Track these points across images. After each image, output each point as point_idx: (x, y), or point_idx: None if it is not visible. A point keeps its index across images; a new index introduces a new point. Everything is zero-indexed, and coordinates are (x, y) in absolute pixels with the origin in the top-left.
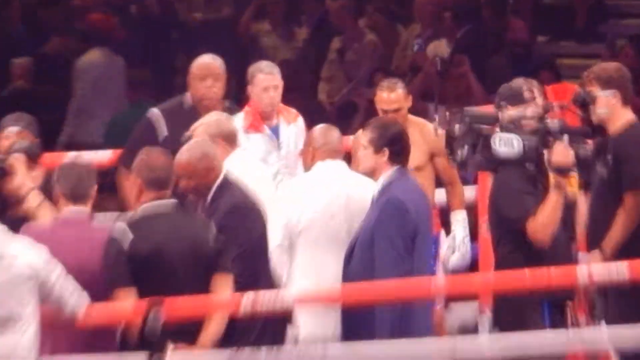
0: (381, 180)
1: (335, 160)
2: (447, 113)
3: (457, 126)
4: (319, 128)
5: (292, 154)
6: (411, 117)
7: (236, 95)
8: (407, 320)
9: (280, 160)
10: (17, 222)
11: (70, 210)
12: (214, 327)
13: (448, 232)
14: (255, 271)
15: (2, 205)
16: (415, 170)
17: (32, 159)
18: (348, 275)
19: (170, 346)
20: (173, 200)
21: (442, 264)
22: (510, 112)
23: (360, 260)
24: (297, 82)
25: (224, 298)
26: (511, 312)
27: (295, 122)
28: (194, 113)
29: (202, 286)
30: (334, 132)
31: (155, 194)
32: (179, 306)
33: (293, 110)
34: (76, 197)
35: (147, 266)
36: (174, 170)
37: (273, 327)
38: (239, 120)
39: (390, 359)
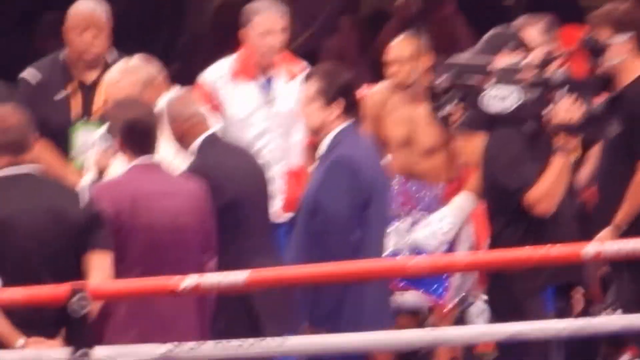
0: (329, 138)
1: None
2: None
3: (442, 78)
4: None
5: (288, 115)
6: None
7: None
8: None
9: (268, 119)
10: None
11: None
12: None
13: None
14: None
15: None
16: (427, 152)
17: None
18: (290, 250)
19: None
20: (32, 166)
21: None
22: (505, 60)
23: (304, 232)
24: (239, 28)
25: (161, 281)
26: (506, 299)
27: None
28: (67, 70)
29: (69, 268)
30: None
31: (9, 159)
32: (105, 291)
33: (300, 64)
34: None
35: None
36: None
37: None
38: (226, 65)
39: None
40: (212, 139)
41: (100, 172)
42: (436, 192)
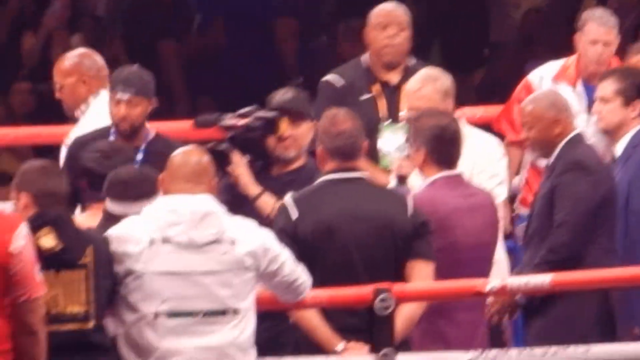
0: (627, 137)
1: None
2: None
3: None
4: None
5: None
6: None
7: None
8: None
9: (588, 126)
10: (278, 183)
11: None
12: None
13: None
14: (588, 239)
15: (264, 164)
16: None
17: (296, 115)
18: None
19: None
20: (360, 172)
21: None
22: None
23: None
24: (549, 36)
25: (466, 283)
26: None
27: None
28: (370, 73)
29: (389, 275)
30: None
31: (338, 163)
32: (410, 292)
33: None
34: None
35: (313, 248)
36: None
37: None
38: (552, 66)
39: None
40: (579, 138)
41: (401, 180)
42: None
